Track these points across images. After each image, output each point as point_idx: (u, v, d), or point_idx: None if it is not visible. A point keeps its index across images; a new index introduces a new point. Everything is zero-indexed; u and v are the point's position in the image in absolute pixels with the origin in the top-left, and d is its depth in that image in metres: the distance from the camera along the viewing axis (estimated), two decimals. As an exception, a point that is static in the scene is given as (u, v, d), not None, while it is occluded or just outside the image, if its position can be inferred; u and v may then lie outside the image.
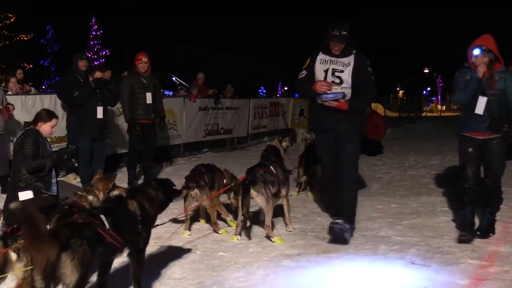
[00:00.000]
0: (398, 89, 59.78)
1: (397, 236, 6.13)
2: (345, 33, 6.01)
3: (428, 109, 53.35)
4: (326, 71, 6.12)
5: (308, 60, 6.31)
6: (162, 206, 4.46)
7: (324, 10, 76.43)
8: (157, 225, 4.59)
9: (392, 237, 6.11)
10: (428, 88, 71.00)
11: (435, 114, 49.45)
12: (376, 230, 6.43)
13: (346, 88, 6.08)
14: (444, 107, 63.91)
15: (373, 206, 7.74)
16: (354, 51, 6.14)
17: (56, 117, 6.29)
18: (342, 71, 6.08)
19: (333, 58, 6.14)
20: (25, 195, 5.85)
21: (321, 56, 6.21)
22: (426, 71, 70.45)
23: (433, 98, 69.23)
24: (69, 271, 3.40)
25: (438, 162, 12.36)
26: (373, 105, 19.62)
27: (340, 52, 6.09)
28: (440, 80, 75.42)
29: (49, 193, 5.97)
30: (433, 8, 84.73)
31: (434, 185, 9.44)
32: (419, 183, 9.77)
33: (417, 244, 5.78)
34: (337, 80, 6.08)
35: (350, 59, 6.10)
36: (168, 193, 4.48)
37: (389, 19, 77.80)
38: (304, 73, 6.29)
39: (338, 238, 5.81)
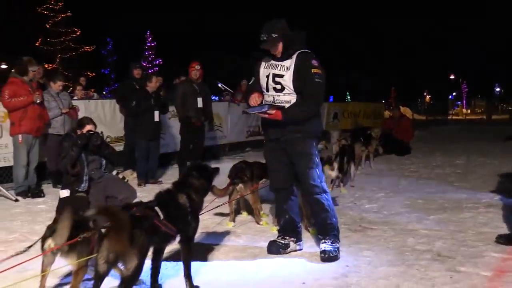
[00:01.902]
0: (425, 94, 58.77)
1: (424, 230, 6.02)
2: (275, 35, 4.81)
3: (453, 113, 52.26)
4: (268, 77, 4.96)
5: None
6: (206, 191, 4.45)
7: (356, 14, 75.42)
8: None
9: (420, 230, 6.02)
10: (454, 93, 69.48)
11: (460, 118, 48.37)
12: (404, 224, 6.34)
13: (289, 94, 4.89)
14: (469, 111, 62.41)
15: (402, 202, 7.65)
16: (298, 51, 4.88)
17: (90, 124, 6.29)
18: (282, 76, 4.87)
19: (274, 62, 4.95)
20: (64, 193, 6.02)
21: (265, 60, 5.04)
22: (452, 77, 68.96)
23: (458, 103, 67.74)
24: (130, 258, 3.49)
25: (463, 162, 12.17)
26: (402, 109, 19.43)
27: (281, 54, 4.92)
28: (465, 86, 73.86)
29: (79, 189, 6.02)
30: (459, 17, 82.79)
31: (459, 183, 9.26)
32: (445, 181, 9.60)
33: (443, 238, 5.67)
34: (278, 87, 4.91)
35: (292, 61, 4.85)
36: (209, 177, 4.43)
37: (417, 29, 76.34)
38: (252, 79, 5.23)
39: (331, 259, 4.89)
